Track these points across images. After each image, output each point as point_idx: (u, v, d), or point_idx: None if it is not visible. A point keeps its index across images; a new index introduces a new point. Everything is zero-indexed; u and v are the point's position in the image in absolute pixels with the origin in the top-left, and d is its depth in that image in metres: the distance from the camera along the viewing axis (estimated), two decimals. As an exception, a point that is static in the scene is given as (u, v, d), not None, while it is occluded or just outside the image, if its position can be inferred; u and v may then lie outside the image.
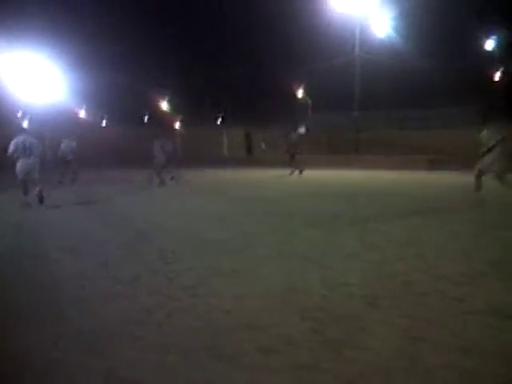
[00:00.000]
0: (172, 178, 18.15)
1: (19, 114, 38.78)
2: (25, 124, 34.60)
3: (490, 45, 36.88)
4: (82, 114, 49.56)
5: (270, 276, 5.36)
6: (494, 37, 36.49)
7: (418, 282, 5.08)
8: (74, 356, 3.47)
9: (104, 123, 52.11)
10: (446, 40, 36.76)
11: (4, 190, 14.03)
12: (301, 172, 21.05)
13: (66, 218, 9.94)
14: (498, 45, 36.62)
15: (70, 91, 36.29)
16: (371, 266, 5.76)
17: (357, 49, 32.54)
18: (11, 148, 11.15)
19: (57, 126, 28.79)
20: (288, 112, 49.37)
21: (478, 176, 11.39)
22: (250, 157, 36.83)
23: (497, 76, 37.26)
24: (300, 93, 51.17)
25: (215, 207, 11.27)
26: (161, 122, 44.84)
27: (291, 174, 21.12)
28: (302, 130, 36.78)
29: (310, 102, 50.58)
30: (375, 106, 36.92)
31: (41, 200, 11.10)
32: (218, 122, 55.89)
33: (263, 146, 39.03)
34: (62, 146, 18.48)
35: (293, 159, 21.58)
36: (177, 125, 43.90)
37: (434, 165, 24.28)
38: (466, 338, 3.71)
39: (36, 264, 6.08)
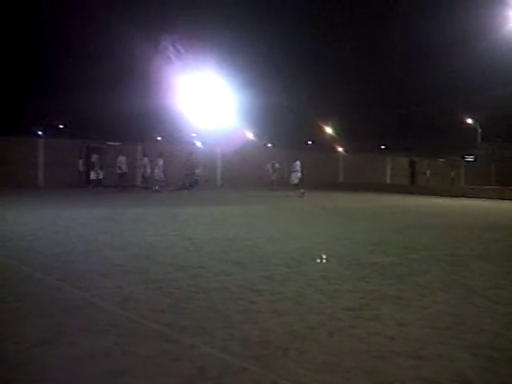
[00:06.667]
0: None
1: (194, 135, 41.69)
2: (198, 144, 37.24)
3: None
4: (249, 135, 51.81)
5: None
6: None
7: None
8: (242, 362, 3.62)
9: (269, 145, 53.99)
10: None
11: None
12: None
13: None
14: None
15: (239, 112, 38.16)
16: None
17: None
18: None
19: (227, 146, 30.55)
20: (454, 141, 47.23)
21: None
22: (413, 185, 35.73)
23: None
24: (468, 121, 48.80)
25: (376, 233, 11.11)
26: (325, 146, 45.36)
27: None
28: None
29: (479, 130, 48.00)
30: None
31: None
32: (382, 149, 55.11)
33: (428, 173, 37.77)
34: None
35: None
36: (340, 149, 44.12)
37: None
38: None
39: (210, 276, 6.46)
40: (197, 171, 26.99)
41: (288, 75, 47.25)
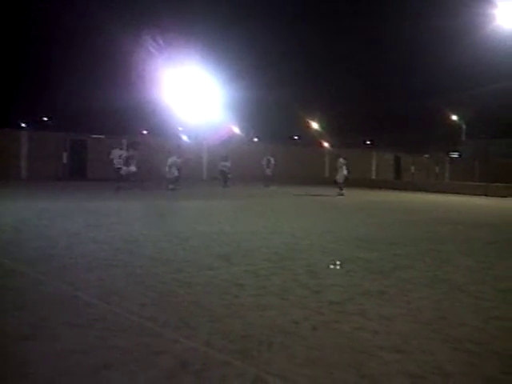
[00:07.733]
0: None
1: (180, 129, 41.49)
2: (184, 138, 37.11)
3: None
4: (235, 129, 51.67)
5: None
6: None
7: None
8: (225, 356, 3.62)
9: (255, 139, 53.97)
10: None
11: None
12: None
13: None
14: None
15: (225, 106, 38.05)
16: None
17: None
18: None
19: (213, 140, 30.41)
20: (439, 137, 47.55)
21: None
22: (398, 181, 35.95)
23: None
24: (453, 118, 49.11)
25: (362, 228, 11.17)
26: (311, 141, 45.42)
27: None
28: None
29: (464, 126, 48.34)
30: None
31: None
32: (367, 144, 55.35)
33: (413, 169, 38.03)
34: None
35: None
36: (326, 145, 44.19)
37: None
38: None
39: (194, 270, 6.46)
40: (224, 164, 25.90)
41: (274, 69, 47.24)
